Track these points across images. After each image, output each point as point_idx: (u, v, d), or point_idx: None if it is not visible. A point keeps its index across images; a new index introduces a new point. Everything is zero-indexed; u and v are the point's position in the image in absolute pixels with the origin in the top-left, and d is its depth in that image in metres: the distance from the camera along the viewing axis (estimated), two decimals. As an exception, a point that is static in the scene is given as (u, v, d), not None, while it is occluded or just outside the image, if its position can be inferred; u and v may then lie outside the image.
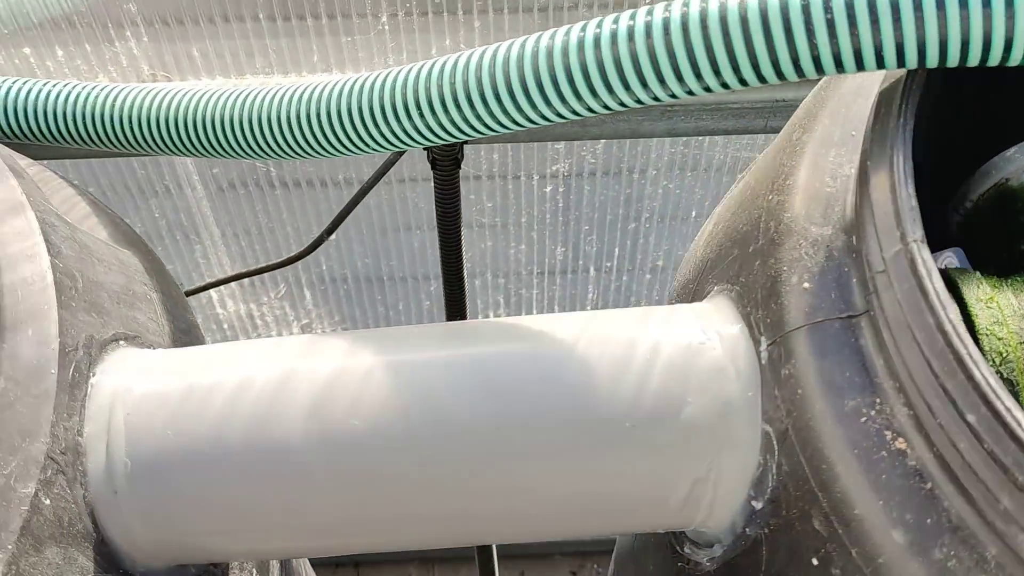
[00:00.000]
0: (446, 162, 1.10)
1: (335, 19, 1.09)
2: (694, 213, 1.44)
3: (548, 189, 1.37)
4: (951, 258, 0.77)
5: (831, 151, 0.72)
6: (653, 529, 0.74)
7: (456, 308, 1.30)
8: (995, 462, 0.56)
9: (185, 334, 0.90)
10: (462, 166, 1.11)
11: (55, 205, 0.81)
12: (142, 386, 0.72)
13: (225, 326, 1.58)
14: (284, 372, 0.71)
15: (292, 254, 1.32)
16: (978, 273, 0.73)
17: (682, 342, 0.71)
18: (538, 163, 1.33)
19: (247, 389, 0.71)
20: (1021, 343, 0.69)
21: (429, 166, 1.09)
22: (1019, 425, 0.55)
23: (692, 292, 0.83)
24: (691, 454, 0.69)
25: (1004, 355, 0.68)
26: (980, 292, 0.70)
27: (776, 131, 1.23)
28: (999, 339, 0.69)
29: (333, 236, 1.25)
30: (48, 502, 0.66)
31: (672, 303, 0.90)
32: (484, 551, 1.45)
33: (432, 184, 1.24)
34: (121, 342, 0.77)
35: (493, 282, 1.52)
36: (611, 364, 0.70)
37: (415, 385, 0.70)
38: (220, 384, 0.71)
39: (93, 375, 0.72)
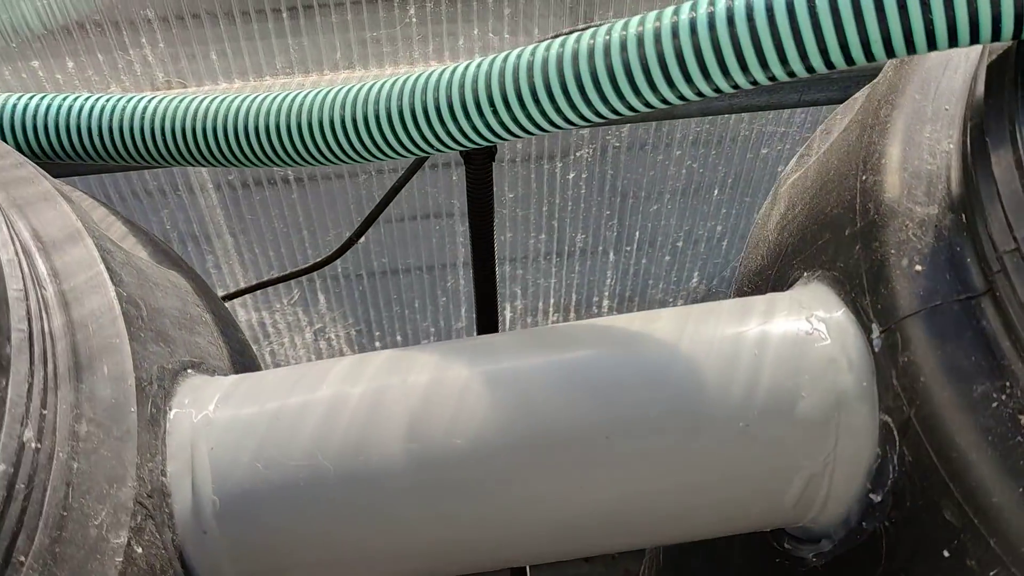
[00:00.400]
0: (480, 155, 1.07)
1: (360, 9, 1.05)
2: (716, 191, 1.42)
3: (571, 176, 1.34)
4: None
5: (926, 127, 0.70)
6: (764, 527, 0.72)
7: (487, 303, 1.26)
8: None
9: (240, 355, 0.86)
10: (490, 156, 1.08)
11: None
12: (223, 416, 0.69)
13: (237, 335, 1.53)
14: (376, 390, 0.68)
15: (308, 258, 1.28)
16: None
17: (789, 334, 0.68)
18: (562, 149, 1.30)
19: (339, 411, 0.67)
20: None
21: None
22: None
23: (771, 279, 0.80)
24: (806, 450, 0.67)
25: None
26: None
27: (811, 104, 1.21)
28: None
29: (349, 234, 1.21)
30: (140, 551, 0.62)
31: (742, 291, 0.88)
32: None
33: (454, 172, 1.21)
34: (189, 370, 0.73)
35: (511, 272, 1.49)
36: (718, 362, 0.67)
37: (515, 396, 0.67)
38: (309, 407, 0.68)
39: (170, 409, 0.68)
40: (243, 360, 0.86)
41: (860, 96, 0.87)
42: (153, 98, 0.86)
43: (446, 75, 0.72)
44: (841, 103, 0.95)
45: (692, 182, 1.40)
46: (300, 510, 0.67)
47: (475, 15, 1.09)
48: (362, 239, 1.20)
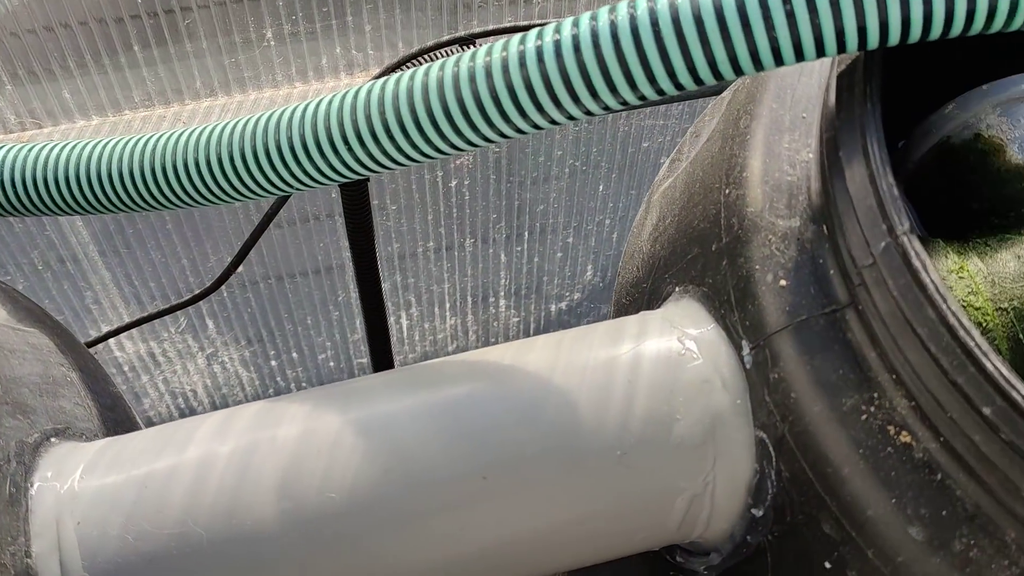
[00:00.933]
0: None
1: (215, 35, 1.02)
2: (601, 187, 1.42)
3: (454, 183, 1.32)
4: (912, 223, 0.75)
5: (784, 137, 0.70)
6: (651, 548, 0.72)
7: (375, 314, 1.25)
8: (1014, 451, 0.54)
9: (112, 410, 0.83)
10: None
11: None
12: (89, 487, 0.66)
13: (125, 368, 1.49)
14: (245, 448, 0.66)
15: (191, 285, 1.25)
16: (940, 241, 0.72)
17: (662, 356, 0.68)
18: (440, 160, 1.28)
19: (208, 473, 0.65)
20: (998, 310, 0.68)
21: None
22: (1040, 414, 0.54)
23: (647, 292, 0.80)
24: (685, 472, 0.67)
25: (984, 325, 0.67)
26: (949, 263, 0.69)
27: (687, 98, 1.21)
28: (976, 309, 0.68)
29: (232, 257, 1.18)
30: (8, 640, 0.59)
31: (620, 302, 0.87)
32: None
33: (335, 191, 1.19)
34: (52, 439, 0.70)
35: (403, 281, 1.47)
36: (592, 393, 0.66)
37: (388, 444, 0.66)
38: (177, 471, 0.65)
39: (31, 485, 0.66)
40: (115, 416, 0.83)
41: (727, 95, 0.87)
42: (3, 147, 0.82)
43: (310, 108, 0.70)
44: (718, 94, 0.94)
45: (576, 179, 1.40)
46: (175, 580, 0.64)
47: (335, 33, 1.06)
48: (243, 263, 1.17)
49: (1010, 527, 0.57)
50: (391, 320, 1.30)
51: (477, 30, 1.02)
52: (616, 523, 0.68)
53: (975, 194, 0.77)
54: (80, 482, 0.66)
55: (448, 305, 1.55)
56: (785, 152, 0.70)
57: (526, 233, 1.44)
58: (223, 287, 1.35)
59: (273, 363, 1.55)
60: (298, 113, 0.70)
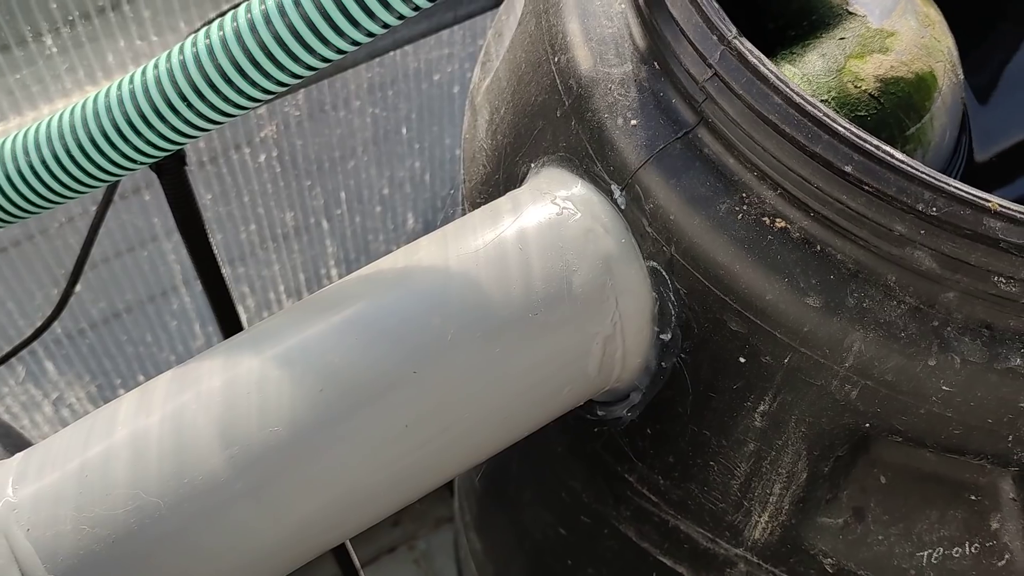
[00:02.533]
0: (171, 163, 1.04)
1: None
2: (404, 130, 1.44)
3: (263, 158, 1.32)
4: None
5: (594, -5, 0.74)
6: (576, 404, 0.75)
7: (226, 311, 1.24)
8: (880, 197, 0.61)
9: (7, 436, 0.80)
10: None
11: None
12: (26, 495, 0.65)
13: (-29, 435, 1.41)
14: (174, 412, 0.66)
15: (21, 329, 1.20)
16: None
17: (543, 221, 0.71)
18: (245, 136, 1.28)
19: (146, 444, 0.65)
20: (819, 102, 0.75)
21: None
22: (893, 156, 0.60)
23: (501, 183, 0.83)
24: (593, 316, 0.71)
25: (813, 117, 0.74)
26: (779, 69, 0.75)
27: (468, 18, 1.24)
28: (802, 106, 0.74)
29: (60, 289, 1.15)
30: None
31: (475, 203, 0.91)
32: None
33: (145, 193, 1.17)
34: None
35: (233, 273, 1.46)
36: (490, 269, 0.70)
37: (314, 366, 0.67)
38: (113, 451, 0.65)
39: (-34, 510, 0.64)
40: (12, 440, 0.80)
41: (515, -7, 0.91)
42: None
43: (117, 86, 0.70)
44: (497, 6, 0.99)
45: (379, 128, 1.42)
46: (143, 555, 0.64)
47: (116, 28, 1.04)
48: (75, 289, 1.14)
49: (888, 272, 0.64)
50: (237, 311, 1.29)
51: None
52: (545, 382, 0.72)
53: (769, 12, 0.84)
54: (16, 492, 0.65)
55: (283, 287, 1.55)
56: (599, 8, 0.74)
57: (342, 193, 1.45)
58: (58, 327, 1.31)
59: (121, 391, 1.50)
60: (105, 95, 0.69)
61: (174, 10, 1.06)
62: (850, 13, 0.80)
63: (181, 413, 0.66)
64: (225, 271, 1.27)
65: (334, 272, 1.60)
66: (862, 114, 0.76)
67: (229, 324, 1.25)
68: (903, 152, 0.77)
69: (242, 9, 0.67)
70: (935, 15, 0.82)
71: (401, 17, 0.66)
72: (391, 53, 1.27)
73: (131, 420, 0.67)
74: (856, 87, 0.76)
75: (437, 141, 1.49)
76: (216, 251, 1.14)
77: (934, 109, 0.78)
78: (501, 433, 0.73)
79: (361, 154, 1.42)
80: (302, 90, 1.25)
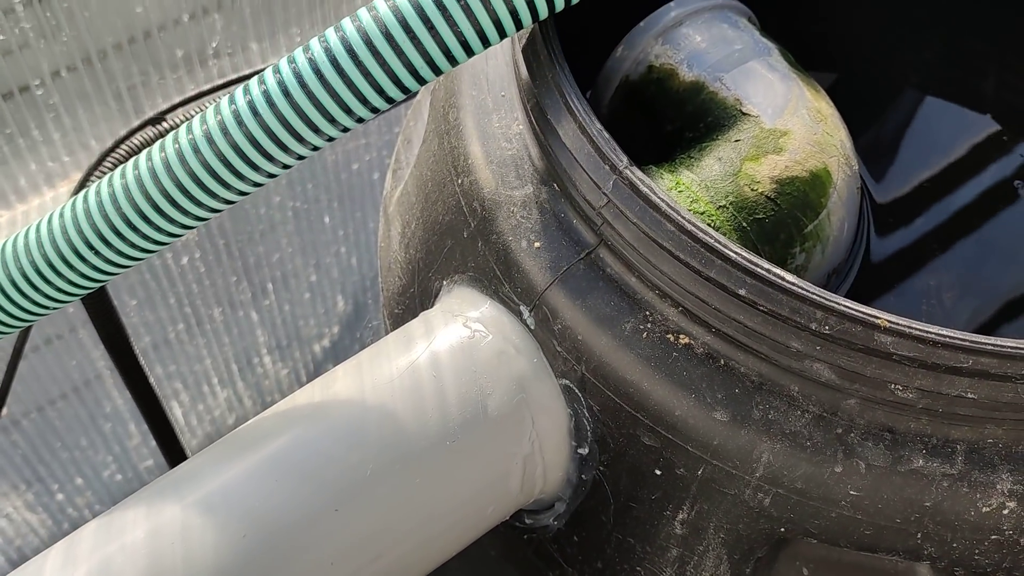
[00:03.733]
0: (90, 284, 1.03)
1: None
2: (327, 218, 1.45)
3: (185, 260, 1.32)
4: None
5: (492, 117, 0.76)
6: (503, 519, 0.76)
7: (155, 414, 1.23)
8: (774, 317, 0.63)
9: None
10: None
11: None
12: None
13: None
14: (99, 566, 0.66)
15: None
16: (652, 166, 0.80)
17: (455, 344, 0.72)
18: (167, 241, 1.27)
19: (70, 607, 0.65)
20: (718, 208, 0.77)
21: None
22: (783, 279, 0.62)
23: (416, 296, 0.84)
24: (511, 438, 0.72)
25: (712, 226, 0.76)
26: (666, 182, 0.78)
27: (378, 112, 1.25)
28: (701, 214, 0.76)
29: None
30: None
31: (393, 312, 0.92)
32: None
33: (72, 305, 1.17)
34: None
35: (165, 372, 1.45)
36: (405, 398, 0.70)
37: (235, 510, 0.67)
38: (37, 618, 0.65)
39: None
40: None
41: (422, 98, 0.92)
42: None
43: (25, 234, 0.70)
44: (408, 95, 1.00)
45: (301, 220, 1.42)
46: None
47: (25, 151, 1.04)
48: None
49: (791, 383, 0.66)
50: (168, 416, 1.29)
51: (164, 107, 1.03)
52: (467, 506, 0.73)
53: (665, 117, 0.86)
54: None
55: (216, 380, 1.54)
56: (498, 130, 0.76)
57: (269, 285, 1.46)
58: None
59: (60, 496, 1.49)
60: (15, 242, 0.70)
61: (83, 128, 1.06)
62: (744, 114, 0.82)
63: (107, 566, 0.66)
64: (156, 371, 1.27)
65: (267, 360, 1.60)
66: (760, 216, 0.78)
67: (159, 426, 1.24)
68: (803, 249, 0.80)
69: (156, 148, 0.67)
70: (827, 109, 0.85)
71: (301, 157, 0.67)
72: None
73: (58, 574, 0.67)
74: (753, 190, 0.78)
75: (361, 226, 1.50)
76: (140, 356, 1.14)
77: (830, 204, 0.81)
78: (430, 556, 0.74)
79: (285, 246, 1.42)
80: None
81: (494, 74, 0.78)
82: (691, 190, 0.77)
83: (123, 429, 1.48)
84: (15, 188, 1.07)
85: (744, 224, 0.77)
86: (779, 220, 0.78)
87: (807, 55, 0.95)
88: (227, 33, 1.10)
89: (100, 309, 1.08)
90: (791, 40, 0.92)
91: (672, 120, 0.86)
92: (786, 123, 0.81)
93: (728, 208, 0.77)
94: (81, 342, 1.31)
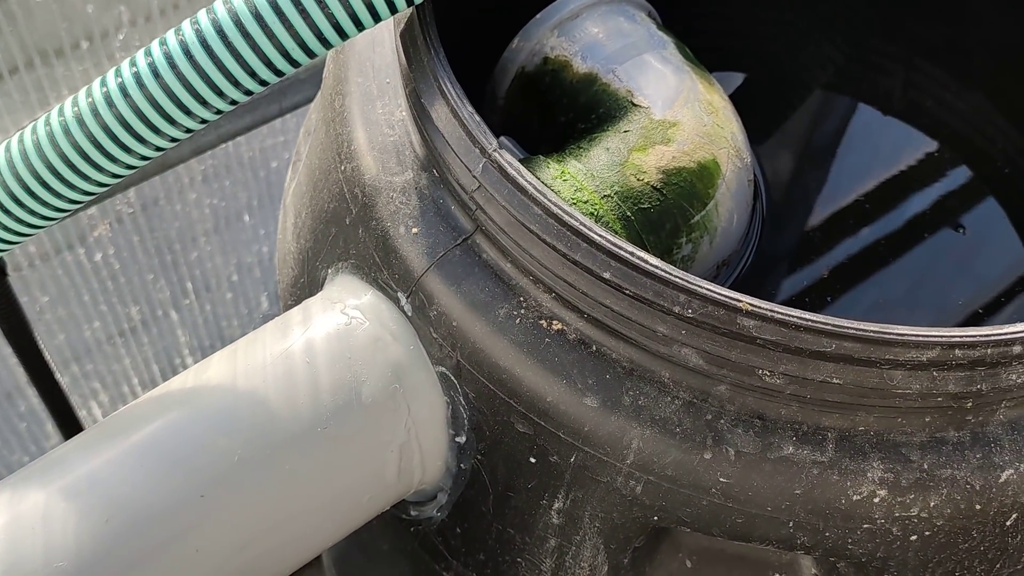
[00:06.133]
0: (-11, 275, 1.02)
1: None
2: (247, 217, 1.44)
3: (99, 257, 1.30)
4: (509, 148, 0.83)
5: (376, 104, 0.76)
6: (382, 509, 0.75)
7: (64, 414, 1.21)
8: (640, 301, 0.63)
9: None
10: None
11: None
12: None
13: None
14: (-47, 556, 0.64)
15: None
16: (540, 156, 0.80)
17: (331, 332, 0.72)
18: (78, 236, 1.26)
19: (-78, 594, 0.63)
20: (603, 198, 0.77)
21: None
22: (646, 262, 0.62)
23: (306, 286, 0.83)
24: (386, 425, 0.71)
25: (595, 214, 0.76)
26: (552, 171, 0.77)
27: (294, 109, 1.25)
28: (585, 203, 0.76)
29: None
30: None
31: (288, 304, 0.91)
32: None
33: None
34: None
35: (81, 371, 1.43)
36: (277, 384, 0.70)
37: (100, 497, 0.66)
38: None
39: None
40: None
41: (320, 91, 0.92)
42: None
43: None
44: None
45: (220, 217, 1.41)
46: None
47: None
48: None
49: (662, 369, 0.65)
50: (83, 413, 1.27)
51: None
52: (342, 494, 0.72)
53: (558, 108, 0.86)
54: None
55: (136, 380, 1.52)
56: (381, 117, 0.75)
57: (189, 284, 1.44)
58: None
59: (-28, 498, 1.45)
60: None
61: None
62: (635, 105, 0.82)
63: (-37, 555, 0.65)
64: (72, 369, 1.25)
65: (189, 360, 1.58)
66: (645, 206, 0.78)
67: (70, 427, 1.22)
68: (690, 239, 0.80)
69: (41, 121, 0.66)
70: (719, 101, 0.85)
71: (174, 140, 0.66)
72: (222, 145, 1.27)
73: (-90, 566, 0.65)
74: (639, 180, 0.78)
75: (283, 225, 1.48)
76: (48, 357, 1.12)
77: (718, 195, 0.81)
78: (305, 545, 0.73)
79: (204, 244, 1.41)
80: (132, 187, 1.25)
81: (380, 61, 0.77)
82: (576, 179, 0.77)
83: (39, 429, 1.46)
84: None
85: (629, 214, 0.77)
86: (665, 210, 0.78)
87: (715, 55, 0.95)
88: (134, 22, 1.09)
89: (4, 306, 1.07)
90: (698, 39, 0.93)
91: (565, 111, 0.85)
92: (676, 114, 0.81)
93: (612, 198, 0.77)
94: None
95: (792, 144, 1.10)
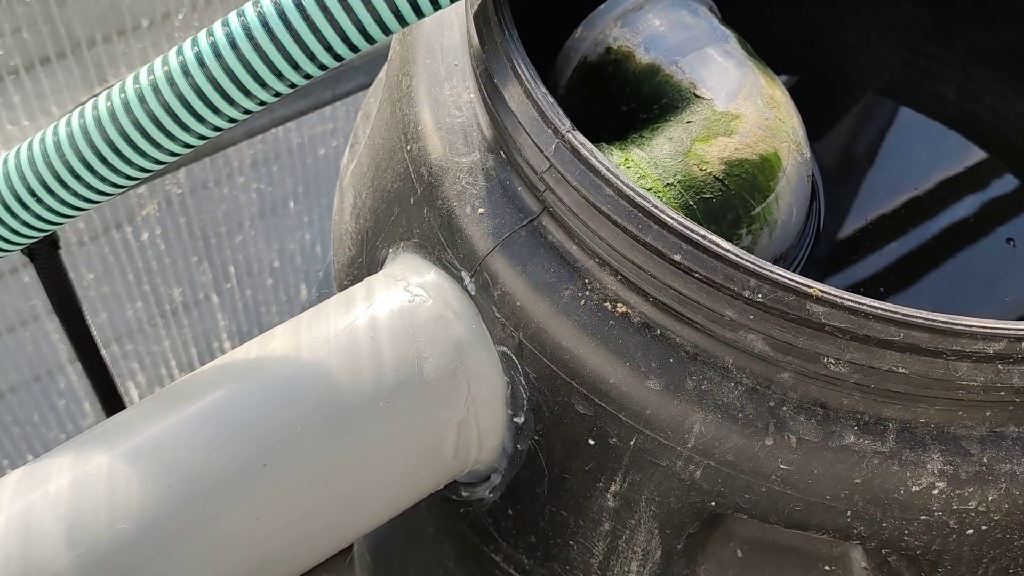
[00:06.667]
0: (43, 248, 1.03)
1: None
2: (292, 204, 1.45)
3: (145, 236, 1.31)
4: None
5: (444, 86, 0.76)
6: (436, 487, 0.76)
7: (107, 390, 1.22)
8: (709, 284, 0.63)
9: None
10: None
11: None
12: None
13: None
14: (20, 512, 0.65)
15: None
16: (603, 143, 0.80)
17: (395, 308, 0.72)
18: (126, 215, 1.27)
19: (-12, 549, 0.64)
20: (666, 186, 0.77)
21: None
22: (718, 245, 0.62)
23: (364, 266, 0.84)
24: (446, 402, 0.72)
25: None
26: (615, 158, 0.78)
27: (346, 96, 1.26)
28: (648, 190, 0.77)
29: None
30: None
31: (343, 285, 0.91)
32: None
33: (23, 274, 1.16)
34: None
35: (121, 351, 1.44)
36: (340, 358, 0.70)
37: (162, 462, 0.67)
38: (-47, 559, 0.64)
39: None
40: None
41: (383, 75, 0.93)
42: None
43: None
44: (371, 86, 1.00)
45: (266, 202, 1.42)
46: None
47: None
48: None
49: (726, 354, 0.66)
50: (120, 392, 1.28)
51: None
52: (400, 469, 0.72)
53: (620, 98, 0.86)
54: None
55: (174, 363, 1.53)
56: (449, 98, 0.76)
57: (231, 268, 1.45)
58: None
59: (9, 470, 1.46)
60: None
61: (45, 93, 1.06)
62: (697, 96, 0.83)
63: (28, 512, 0.66)
64: (112, 349, 1.26)
65: (227, 346, 1.59)
66: (707, 196, 0.78)
67: (111, 404, 1.23)
68: (750, 231, 0.80)
69: (103, 97, 0.67)
70: (781, 96, 0.86)
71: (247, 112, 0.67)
72: (273, 130, 1.28)
73: (-24, 523, 0.66)
74: (701, 170, 0.78)
75: (326, 213, 1.50)
76: (96, 332, 1.13)
77: (779, 189, 0.81)
78: (361, 519, 0.73)
79: (248, 228, 1.42)
80: (183, 168, 1.26)
81: (448, 44, 0.78)
82: (640, 167, 0.77)
83: (76, 407, 1.47)
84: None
85: (691, 203, 0.78)
86: (726, 200, 0.78)
87: (767, 56, 0.96)
88: (194, 4, 1.10)
89: (54, 279, 1.08)
90: (753, 41, 0.93)
91: (627, 101, 0.86)
92: (739, 107, 0.82)
93: (675, 186, 0.77)
94: (42, 325, 1.31)
95: (842, 146, 1.10)
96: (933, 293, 1.00)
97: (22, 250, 0.99)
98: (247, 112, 0.68)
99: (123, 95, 0.66)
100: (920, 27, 1.15)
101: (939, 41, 1.15)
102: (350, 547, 1.04)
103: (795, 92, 1.09)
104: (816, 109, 1.10)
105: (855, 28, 1.15)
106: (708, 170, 0.78)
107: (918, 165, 1.11)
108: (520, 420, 0.73)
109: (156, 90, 0.65)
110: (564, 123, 0.66)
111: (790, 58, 1.13)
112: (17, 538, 0.64)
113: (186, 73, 0.65)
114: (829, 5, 1.15)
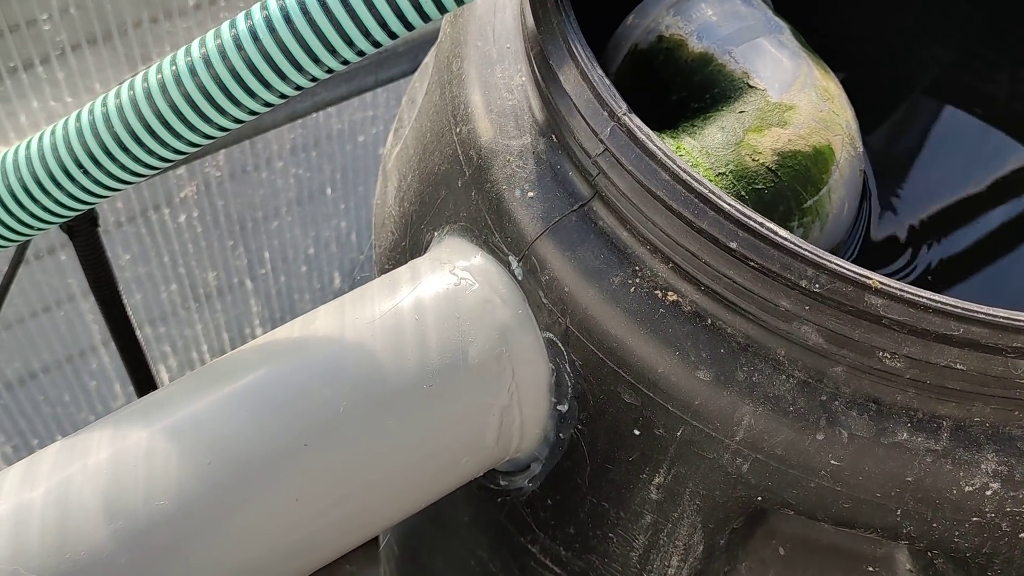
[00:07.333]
0: (83, 226, 1.03)
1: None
2: (329, 191, 1.44)
3: (183, 219, 1.31)
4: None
5: (495, 68, 0.75)
6: (476, 474, 0.75)
7: (140, 370, 1.22)
8: (765, 273, 0.62)
9: None
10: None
11: None
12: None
13: None
14: (59, 484, 0.65)
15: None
16: (653, 132, 0.79)
17: (440, 291, 0.71)
18: (165, 196, 1.27)
19: (27, 518, 0.63)
20: (718, 175, 0.76)
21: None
22: (776, 234, 0.61)
23: (407, 249, 0.83)
24: (490, 387, 0.71)
25: (710, 190, 0.75)
26: (667, 145, 0.77)
27: (388, 82, 1.25)
28: (699, 179, 0.75)
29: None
30: None
31: (384, 269, 0.91)
32: None
33: (60, 254, 1.16)
34: None
35: (154, 333, 1.44)
36: (385, 339, 0.69)
37: (202, 438, 0.66)
38: (-9, 529, 0.63)
39: None
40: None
41: (429, 60, 0.92)
42: None
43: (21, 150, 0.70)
44: (414, 72, 0.99)
45: (303, 188, 1.42)
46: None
47: (28, 88, 1.03)
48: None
49: (778, 346, 0.64)
50: (153, 374, 1.27)
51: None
52: (441, 454, 0.71)
53: (671, 86, 0.85)
54: None
55: (206, 346, 1.53)
56: (500, 81, 0.75)
57: (266, 254, 1.45)
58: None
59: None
60: (13, 154, 0.69)
61: (89, 71, 1.06)
62: (750, 87, 0.81)
63: (67, 486, 0.65)
64: (145, 331, 1.26)
65: (259, 332, 1.58)
66: (760, 187, 0.77)
67: (144, 386, 1.23)
68: (801, 224, 0.79)
69: (153, 69, 0.67)
70: (835, 89, 0.84)
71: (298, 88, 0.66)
72: (313, 115, 1.27)
73: (14, 493, 0.66)
74: (754, 160, 0.77)
75: (363, 201, 1.49)
76: (131, 313, 1.13)
77: (831, 182, 0.80)
78: (399, 504, 0.72)
79: (285, 214, 1.42)
80: (222, 151, 1.25)
81: (501, 27, 0.77)
82: (691, 155, 0.76)
83: (108, 389, 1.47)
84: (15, 126, 1.06)
85: (743, 193, 0.76)
86: (778, 192, 0.77)
87: (817, 53, 0.94)
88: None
89: (92, 257, 1.08)
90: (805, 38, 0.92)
91: (679, 90, 0.85)
92: (792, 98, 0.80)
93: (728, 176, 0.76)
94: (76, 306, 1.31)
95: (888, 145, 1.09)
96: (976, 296, 0.99)
97: (61, 227, 0.99)
98: (283, 96, 0.67)
99: (159, 76, 0.65)
100: (972, 27, 1.13)
101: (990, 42, 1.13)
102: (373, 540, 1.03)
103: (843, 88, 1.07)
104: (864, 107, 1.09)
105: (907, 26, 1.13)
106: (761, 160, 0.77)
107: (965, 165, 1.09)
108: (564, 408, 0.72)
109: (193, 72, 0.65)
110: (621, 106, 0.65)
111: (836, 54, 1.11)
112: (55, 510, 0.64)
113: (223, 55, 0.64)
114: (882, 4, 1.13)
